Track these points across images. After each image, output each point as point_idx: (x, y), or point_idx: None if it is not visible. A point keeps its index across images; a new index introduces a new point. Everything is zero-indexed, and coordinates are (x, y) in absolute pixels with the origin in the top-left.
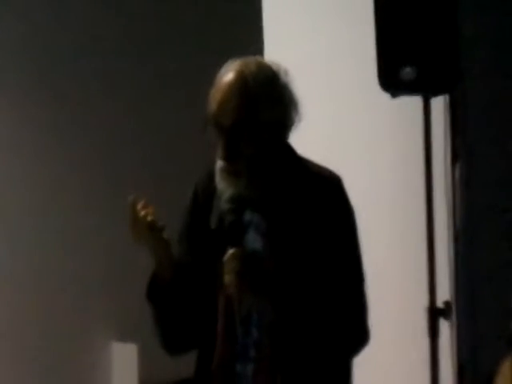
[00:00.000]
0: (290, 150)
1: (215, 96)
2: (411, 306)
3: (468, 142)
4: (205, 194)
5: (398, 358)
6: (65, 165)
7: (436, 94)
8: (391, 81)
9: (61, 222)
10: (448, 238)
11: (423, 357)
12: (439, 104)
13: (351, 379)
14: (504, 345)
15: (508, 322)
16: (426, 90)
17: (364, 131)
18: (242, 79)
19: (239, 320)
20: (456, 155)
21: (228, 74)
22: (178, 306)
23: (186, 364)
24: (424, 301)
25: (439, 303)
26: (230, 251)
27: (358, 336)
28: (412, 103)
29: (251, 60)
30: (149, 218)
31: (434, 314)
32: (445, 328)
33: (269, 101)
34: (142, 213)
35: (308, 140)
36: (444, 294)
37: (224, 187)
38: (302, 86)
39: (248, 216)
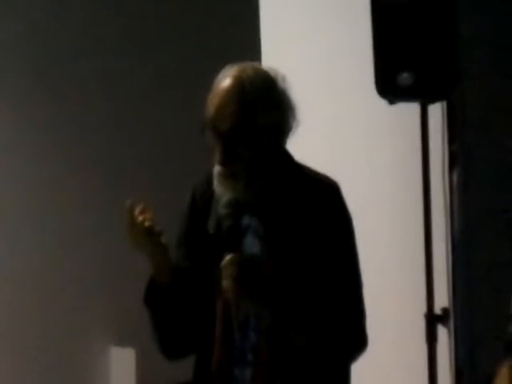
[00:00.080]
0: (288, 155)
1: (213, 101)
2: (409, 311)
3: (466, 145)
4: (203, 198)
5: (396, 364)
6: (64, 165)
7: (433, 100)
8: (389, 87)
9: (60, 223)
10: (446, 243)
11: (421, 362)
12: (437, 108)
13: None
14: (502, 348)
15: (506, 325)
16: (423, 96)
17: (362, 135)
18: (239, 84)
19: (237, 324)
20: (454, 159)
21: (225, 80)
22: (175, 311)
23: (184, 368)
24: (422, 306)
25: (437, 309)
26: (228, 256)
27: (356, 341)
28: (410, 107)
29: (248, 65)
30: (147, 224)
31: (432, 320)
32: (443, 334)
33: (266, 106)
34: (140, 218)
35: (306, 144)
36: (442, 299)
37: (222, 191)
38: (300, 88)
39: (246, 220)
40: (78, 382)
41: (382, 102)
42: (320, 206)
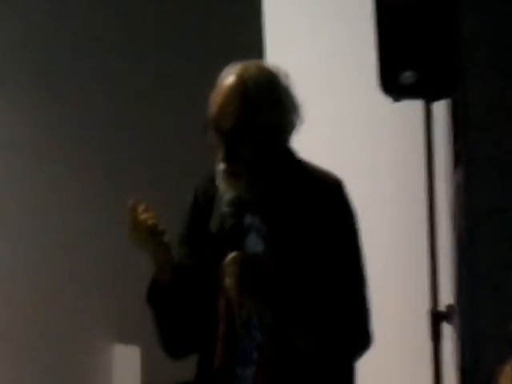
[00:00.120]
0: (291, 154)
1: (215, 99)
2: (414, 309)
3: (469, 144)
4: (205, 197)
5: (400, 362)
6: (64, 165)
7: (437, 98)
8: (392, 85)
9: (61, 223)
10: (450, 241)
11: (426, 360)
12: (440, 107)
13: (354, 383)
14: (506, 347)
15: (509, 324)
16: (426, 94)
17: (365, 133)
18: (242, 83)
19: (240, 323)
20: (457, 158)
21: (228, 78)
22: (178, 310)
23: (188, 367)
24: (426, 305)
25: (442, 307)
26: (230, 255)
27: (360, 339)
28: (413, 106)
29: (251, 64)
30: (149, 223)
31: (437, 317)
32: (447, 331)
33: (268, 104)
34: (143, 217)
35: (308, 142)
36: (447, 297)
37: (224, 189)
38: (302, 87)
39: (249, 219)
40: (82, 380)
41: (385, 101)
42: (323, 203)
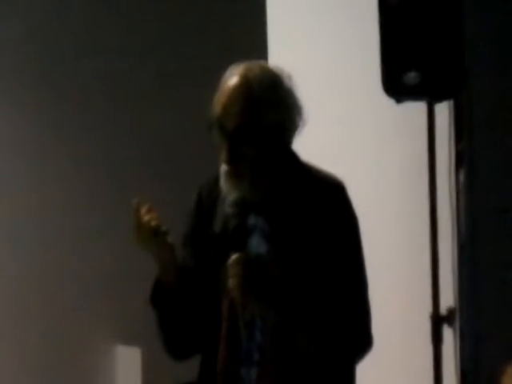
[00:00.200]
0: (293, 156)
1: (219, 100)
2: (415, 311)
3: (473, 145)
4: (209, 197)
5: (401, 364)
6: (65, 164)
7: (440, 99)
8: (395, 86)
9: (63, 222)
10: (452, 243)
11: (427, 363)
12: (444, 108)
13: None
14: (508, 348)
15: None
16: (430, 95)
17: (368, 134)
18: (246, 83)
19: (243, 324)
20: (460, 160)
21: (232, 78)
22: (181, 311)
23: (190, 368)
24: (428, 307)
25: (443, 309)
26: (234, 256)
27: (361, 341)
28: (417, 107)
29: (255, 64)
30: (153, 223)
31: (438, 320)
32: (448, 334)
33: (272, 105)
34: (146, 218)
35: (312, 143)
36: (448, 300)
37: (228, 190)
38: (306, 88)
39: (252, 220)
40: (84, 381)
41: (388, 102)
42: (325, 205)
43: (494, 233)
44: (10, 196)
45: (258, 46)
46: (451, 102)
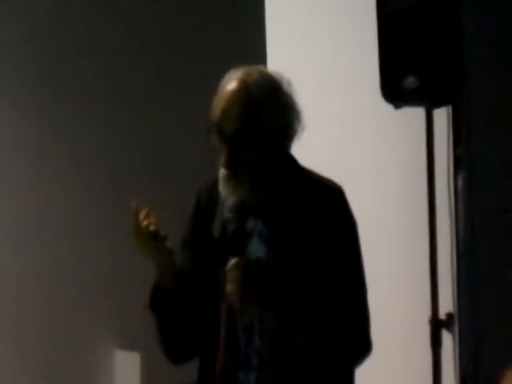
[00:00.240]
0: (292, 160)
1: (218, 104)
2: (414, 316)
3: (471, 149)
4: (208, 201)
5: (400, 369)
6: (65, 164)
7: (439, 104)
8: (394, 91)
9: (63, 223)
10: (451, 247)
11: (426, 368)
12: (442, 112)
13: None
14: (507, 350)
15: (511, 329)
16: (429, 100)
17: (367, 139)
18: (245, 88)
19: (241, 329)
20: (459, 163)
21: (231, 83)
22: (180, 315)
23: (189, 372)
24: (427, 312)
25: (442, 314)
26: (233, 260)
27: (360, 346)
28: (415, 112)
29: (254, 69)
30: (151, 228)
31: (437, 325)
32: (447, 339)
33: (271, 109)
34: (145, 222)
35: (311, 148)
36: (447, 304)
37: (226, 194)
38: (305, 92)
39: (251, 224)
40: None
41: (387, 107)
42: (324, 210)
43: (494, 233)
44: (10, 196)
45: (257, 46)
46: (449, 106)
